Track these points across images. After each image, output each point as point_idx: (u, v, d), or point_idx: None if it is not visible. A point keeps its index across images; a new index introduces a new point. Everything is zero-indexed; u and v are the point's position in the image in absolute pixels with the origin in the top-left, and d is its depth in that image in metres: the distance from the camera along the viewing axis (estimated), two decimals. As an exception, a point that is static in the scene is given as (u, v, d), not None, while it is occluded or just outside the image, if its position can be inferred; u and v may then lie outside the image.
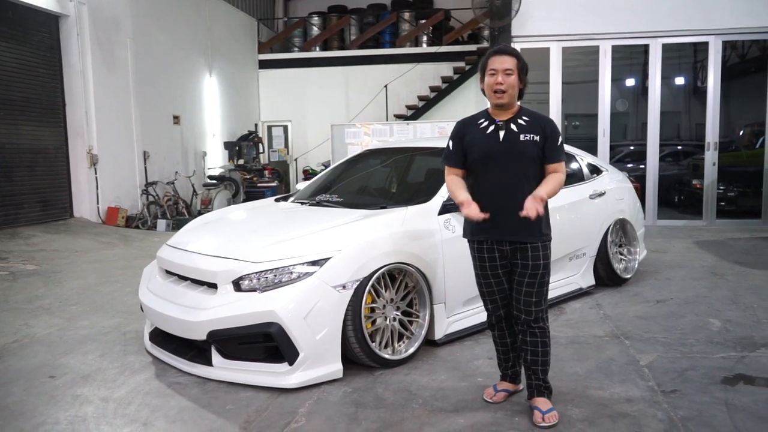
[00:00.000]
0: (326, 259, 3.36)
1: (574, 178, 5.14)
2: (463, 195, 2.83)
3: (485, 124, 2.92)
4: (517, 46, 9.05)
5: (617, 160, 10.98)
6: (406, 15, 14.86)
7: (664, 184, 9.83)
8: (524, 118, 2.88)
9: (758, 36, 9.40)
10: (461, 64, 13.32)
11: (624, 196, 5.61)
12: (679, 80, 13.67)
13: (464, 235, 3.04)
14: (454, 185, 2.95)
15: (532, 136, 2.82)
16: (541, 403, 2.90)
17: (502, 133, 2.86)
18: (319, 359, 3.28)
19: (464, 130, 2.97)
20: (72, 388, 3.37)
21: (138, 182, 10.23)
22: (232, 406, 3.11)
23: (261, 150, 13.48)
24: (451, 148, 3.00)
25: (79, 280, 6.04)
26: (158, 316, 3.62)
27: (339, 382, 3.34)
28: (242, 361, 3.35)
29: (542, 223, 2.87)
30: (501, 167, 2.84)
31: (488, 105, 3.00)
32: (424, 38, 14.78)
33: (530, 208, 2.64)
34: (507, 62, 2.82)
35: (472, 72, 13.17)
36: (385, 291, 3.56)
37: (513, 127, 2.86)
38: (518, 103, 2.95)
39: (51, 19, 8.83)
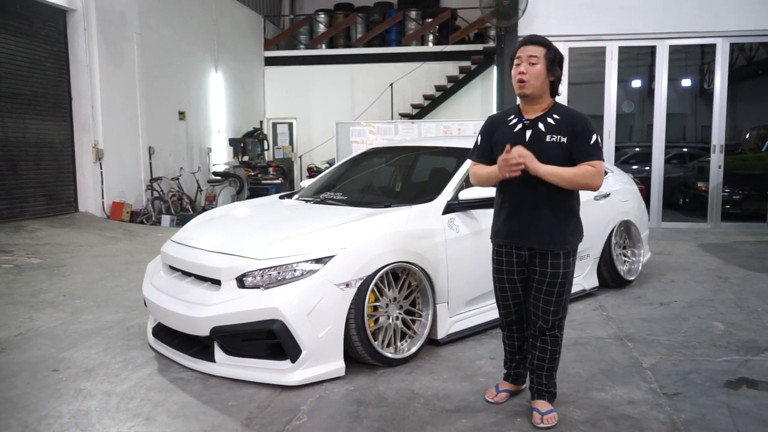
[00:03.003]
0: (330, 257, 3.36)
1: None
2: (492, 168, 2.75)
3: (514, 121, 2.80)
4: (523, 46, 9.01)
5: (622, 161, 10.96)
6: (413, 13, 14.85)
7: (669, 186, 9.78)
8: (555, 116, 2.72)
9: (766, 38, 9.34)
10: (467, 63, 13.30)
11: (629, 198, 5.60)
12: (686, 82, 13.63)
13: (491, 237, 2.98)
14: (479, 171, 2.86)
15: (559, 137, 2.67)
16: (541, 405, 2.89)
17: (528, 133, 2.73)
18: (322, 357, 3.29)
19: (493, 126, 2.88)
20: (75, 382, 3.38)
21: (143, 177, 10.24)
22: (234, 402, 3.12)
23: (266, 147, 13.49)
24: (479, 143, 2.92)
25: (83, 274, 6.06)
26: (162, 311, 3.63)
27: (341, 380, 3.34)
28: (245, 357, 3.36)
29: (567, 231, 2.75)
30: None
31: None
32: (431, 37, 14.76)
33: (513, 153, 2.60)
34: (533, 50, 2.68)
35: (478, 71, 13.17)
36: (389, 290, 3.56)
37: (541, 126, 2.72)
38: (552, 99, 2.78)
39: (58, 13, 8.85)
